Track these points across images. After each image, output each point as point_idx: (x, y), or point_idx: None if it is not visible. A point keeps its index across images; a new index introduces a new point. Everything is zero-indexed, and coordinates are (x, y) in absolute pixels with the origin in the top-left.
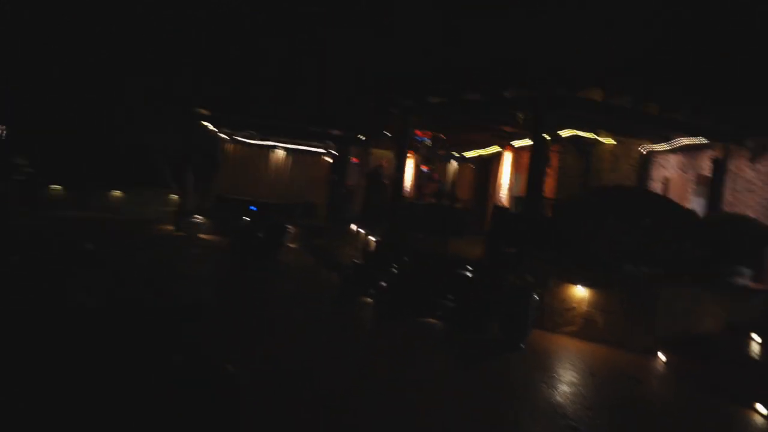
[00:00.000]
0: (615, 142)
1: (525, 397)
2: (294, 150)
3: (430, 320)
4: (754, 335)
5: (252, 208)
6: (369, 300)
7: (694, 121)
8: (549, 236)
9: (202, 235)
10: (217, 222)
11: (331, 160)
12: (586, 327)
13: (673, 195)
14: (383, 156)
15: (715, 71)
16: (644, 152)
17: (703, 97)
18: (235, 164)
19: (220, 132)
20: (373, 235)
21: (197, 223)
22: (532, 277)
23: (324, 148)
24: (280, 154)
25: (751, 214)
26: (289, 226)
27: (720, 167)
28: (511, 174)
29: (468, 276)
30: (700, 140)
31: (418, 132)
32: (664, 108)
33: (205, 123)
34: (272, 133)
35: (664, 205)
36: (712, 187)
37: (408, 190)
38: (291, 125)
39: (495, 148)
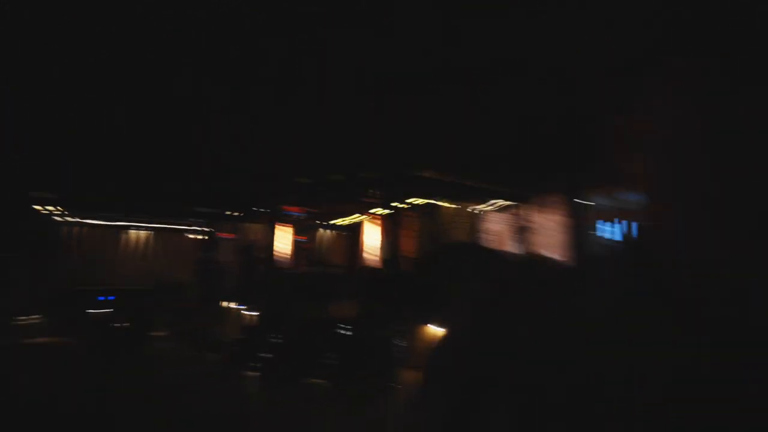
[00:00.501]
0: (453, 205)
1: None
2: (159, 228)
3: (316, 380)
4: None
5: (107, 297)
6: (255, 373)
7: (499, 189)
8: (411, 289)
9: (38, 339)
10: (60, 319)
11: (201, 237)
12: None
13: (497, 242)
14: (258, 230)
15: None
16: (473, 211)
17: (502, 173)
18: (84, 249)
19: (61, 214)
20: (252, 310)
21: (28, 324)
22: (399, 325)
23: (193, 225)
24: (142, 234)
25: (549, 252)
26: (156, 312)
27: (524, 220)
28: (376, 238)
29: (345, 334)
30: (507, 202)
31: (287, 208)
32: (478, 182)
33: (40, 206)
34: (133, 211)
35: (489, 251)
36: (521, 235)
37: (284, 261)
38: (156, 203)
39: (360, 216)
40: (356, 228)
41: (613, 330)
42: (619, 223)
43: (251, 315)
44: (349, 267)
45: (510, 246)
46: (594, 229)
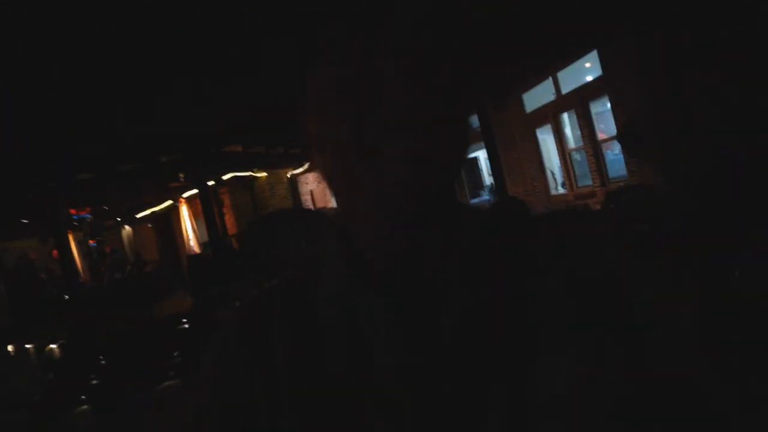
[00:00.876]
0: (267, 174)
1: None
2: None
3: (168, 383)
4: None
5: None
6: (84, 406)
7: (306, 154)
8: (241, 265)
9: None
10: None
11: None
12: None
13: (319, 201)
14: (29, 246)
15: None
16: (290, 176)
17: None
18: None
19: None
20: (48, 343)
21: None
22: (239, 302)
23: None
24: None
25: None
26: None
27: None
28: (192, 222)
29: (184, 327)
30: None
31: (73, 211)
32: (288, 148)
33: None
34: None
35: (309, 214)
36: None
37: (81, 273)
38: None
39: (169, 203)
40: (169, 215)
41: None
42: None
43: (53, 348)
44: (174, 258)
45: (329, 203)
46: None
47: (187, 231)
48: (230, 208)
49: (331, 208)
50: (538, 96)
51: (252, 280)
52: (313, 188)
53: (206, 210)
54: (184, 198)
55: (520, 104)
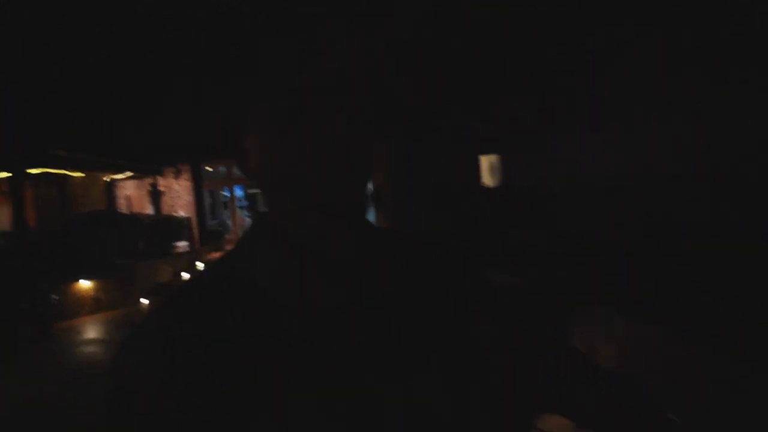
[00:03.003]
0: (84, 175)
1: (69, 360)
2: None
3: None
4: (184, 274)
5: None
6: None
7: (132, 164)
8: (56, 255)
9: None
10: None
11: None
12: (96, 304)
13: (136, 206)
14: None
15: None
16: (108, 180)
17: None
18: None
19: None
20: None
21: None
22: (45, 286)
23: None
24: None
25: (182, 211)
26: None
27: (155, 187)
28: None
29: None
30: (139, 173)
31: None
32: (113, 158)
33: None
34: None
35: (124, 216)
36: (155, 199)
37: None
38: None
39: None
40: None
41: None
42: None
43: None
44: None
45: (145, 209)
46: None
47: None
48: (31, 202)
49: (146, 214)
50: None
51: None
52: (131, 194)
53: (10, 202)
54: None
55: None
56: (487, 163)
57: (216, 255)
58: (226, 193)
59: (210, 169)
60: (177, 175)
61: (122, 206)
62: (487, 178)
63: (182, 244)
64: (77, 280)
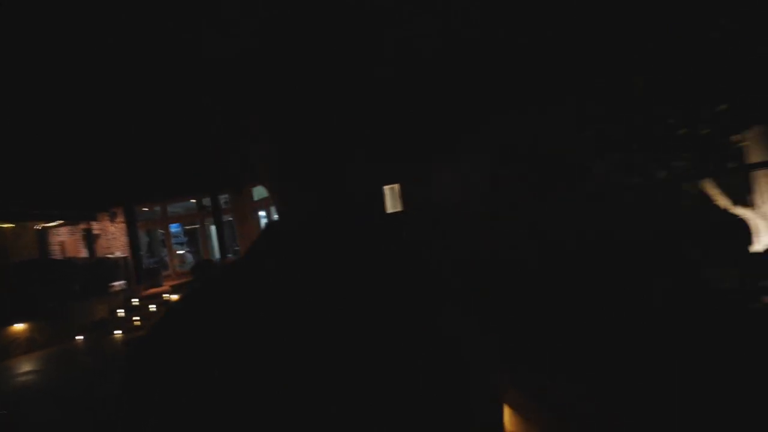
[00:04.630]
0: (14, 225)
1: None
2: None
3: None
4: (120, 311)
5: None
6: None
7: (63, 212)
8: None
9: None
10: None
11: None
12: (30, 344)
13: (70, 251)
14: None
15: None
16: (40, 228)
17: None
18: None
19: None
20: None
21: None
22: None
23: None
24: None
25: (119, 252)
26: None
27: (89, 231)
28: None
29: None
30: (71, 221)
31: None
32: (44, 208)
33: None
34: None
35: (55, 261)
36: (89, 242)
37: None
38: None
39: None
40: None
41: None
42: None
43: None
44: None
45: (80, 252)
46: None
47: None
48: None
49: (81, 257)
50: (261, 190)
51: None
52: (65, 239)
53: None
54: None
55: (251, 194)
56: (389, 191)
57: (153, 290)
58: (176, 230)
59: (146, 209)
60: (112, 218)
61: (56, 252)
62: (391, 205)
63: (119, 284)
64: (11, 324)
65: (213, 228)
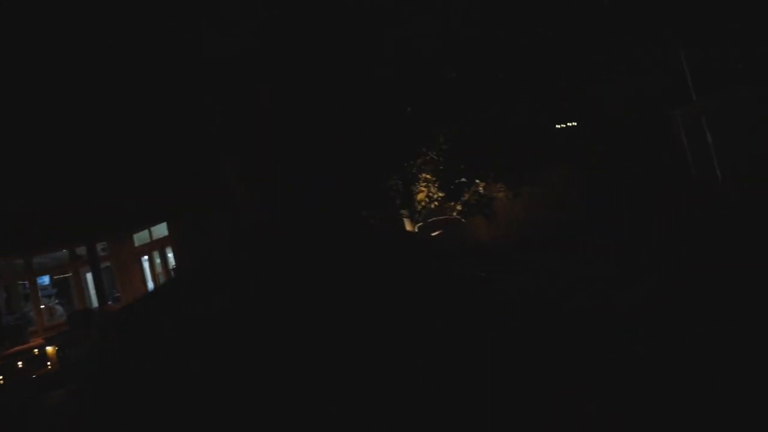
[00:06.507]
0: None
1: None
2: None
3: None
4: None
5: None
6: None
7: None
8: None
9: None
10: None
11: None
12: None
13: None
14: None
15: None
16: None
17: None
18: None
19: None
20: None
21: None
22: None
23: None
24: None
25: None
26: None
27: None
28: None
29: None
30: None
31: None
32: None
33: None
34: None
35: None
36: None
37: None
38: None
39: None
40: None
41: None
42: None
43: None
44: None
45: None
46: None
47: None
48: None
49: None
50: (142, 236)
51: None
52: None
53: None
54: None
55: (132, 240)
56: None
57: (19, 348)
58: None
59: (3, 262)
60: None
61: None
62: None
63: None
64: None
65: (89, 275)
